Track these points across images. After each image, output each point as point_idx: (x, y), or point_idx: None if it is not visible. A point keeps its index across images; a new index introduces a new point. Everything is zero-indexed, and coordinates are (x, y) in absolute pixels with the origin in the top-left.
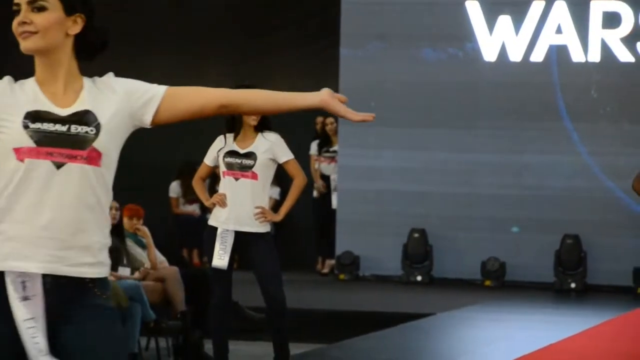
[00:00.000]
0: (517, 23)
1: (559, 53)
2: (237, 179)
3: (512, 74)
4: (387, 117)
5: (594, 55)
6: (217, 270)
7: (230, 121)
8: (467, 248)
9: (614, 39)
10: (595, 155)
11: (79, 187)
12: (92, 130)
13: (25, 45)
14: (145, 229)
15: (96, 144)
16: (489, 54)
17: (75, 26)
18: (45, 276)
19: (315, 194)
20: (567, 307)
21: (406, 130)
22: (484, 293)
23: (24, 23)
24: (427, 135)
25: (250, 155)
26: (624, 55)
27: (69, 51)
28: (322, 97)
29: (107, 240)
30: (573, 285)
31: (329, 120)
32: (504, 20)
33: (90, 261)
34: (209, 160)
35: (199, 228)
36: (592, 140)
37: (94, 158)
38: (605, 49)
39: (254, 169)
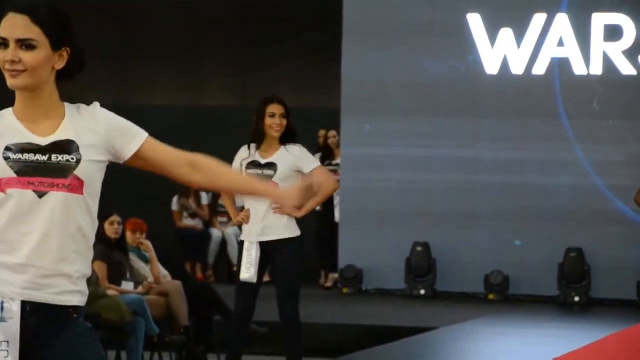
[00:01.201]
0: (519, 36)
1: (560, 66)
2: None
3: (514, 87)
4: (389, 131)
5: (596, 68)
6: (243, 282)
7: (255, 132)
8: (470, 262)
9: (616, 51)
10: (598, 168)
11: (62, 215)
12: (72, 159)
13: (14, 82)
14: (148, 243)
15: (78, 172)
16: (491, 67)
17: (62, 60)
18: (25, 302)
19: (318, 207)
20: (571, 320)
21: (407, 143)
22: (488, 307)
23: (12, 62)
24: (429, 150)
25: (271, 165)
26: (626, 68)
27: (52, 81)
28: (276, 192)
29: (88, 271)
30: (577, 298)
31: (332, 133)
32: (506, 33)
33: (71, 289)
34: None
35: (202, 242)
36: (595, 154)
37: (76, 186)
38: (607, 61)
39: (274, 179)
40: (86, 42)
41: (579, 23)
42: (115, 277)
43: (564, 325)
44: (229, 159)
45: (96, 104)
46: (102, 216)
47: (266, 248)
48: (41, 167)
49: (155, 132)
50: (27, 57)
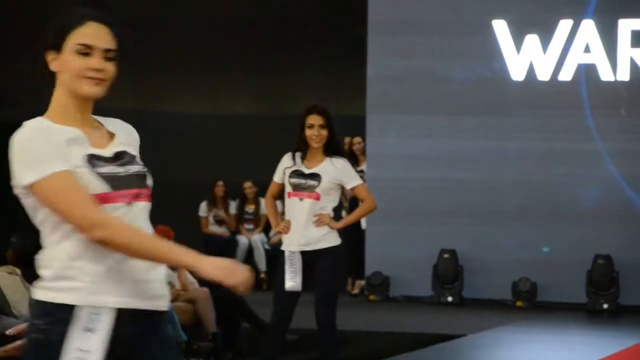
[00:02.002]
0: (545, 42)
1: (587, 72)
2: (301, 200)
3: (540, 93)
4: (414, 138)
5: (623, 74)
6: (280, 291)
7: (298, 141)
8: (497, 268)
9: None
10: (625, 174)
11: (144, 223)
12: (144, 168)
13: (95, 90)
14: None
15: (148, 181)
16: (517, 73)
17: None
18: (120, 310)
19: (344, 214)
20: (599, 327)
21: (432, 151)
22: (515, 314)
23: (98, 70)
24: (454, 156)
25: (315, 176)
26: None
27: None
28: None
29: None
30: (605, 305)
31: (357, 139)
32: (532, 40)
33: (161, 293)
34: (277, 178)
35: (228, 248)
36: (622, 159)
37: (149, 195)
38: (634, 67)
39: (317, 190)
40: None
41: (606, 29)
42: None
43: (593, 332)
44: (250, 165)
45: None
46: None
47: (307, 257)
48: (126, 179)
49: (176, 139)
50: (109, 67)
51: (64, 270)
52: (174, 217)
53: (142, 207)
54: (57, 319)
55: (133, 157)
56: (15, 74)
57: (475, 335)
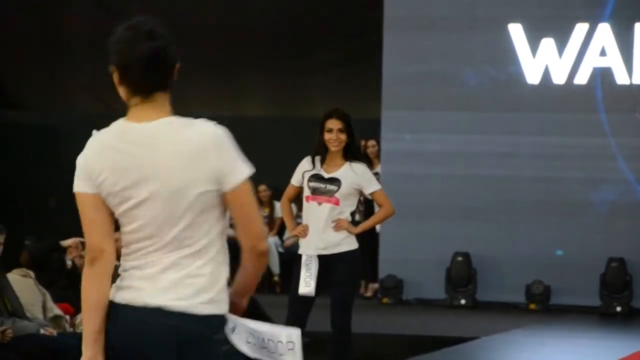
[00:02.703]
0: (561, 46)
1: (603, 75)
2: (319, 204)
3: (555, 97)
4: (429, 142)
5: (639, 78)
6: (295, 295)
7: (318, 145)
8: (511, 271)
9: None
10: None
11: None
12: None
13: None
14: None
15: None
16: (533, 77)
17: (115, 78)
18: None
19: (357, 217)
20: (613, 331)
21: (447, 156)
22: (529, 317)
23: None
24: (469, 159)
25: (335, 180)
26: None
27: (128, 99)
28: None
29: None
30: (619, 308)
31: (371, 143)
32: (548, 43)
33: None
34: (295, 181)
35: (240, 251)
36: (637, 163)
37: None
38: None
39: (336, 194)
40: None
41: (622, 32)
42: None
43: (606, 335)
44: (264, 169)
45: None
46: None
47: (324, 261)
48: None
49: None
50: None
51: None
52: None
53: None
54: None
55: None
56: (19, 76)
57: (489, 338)
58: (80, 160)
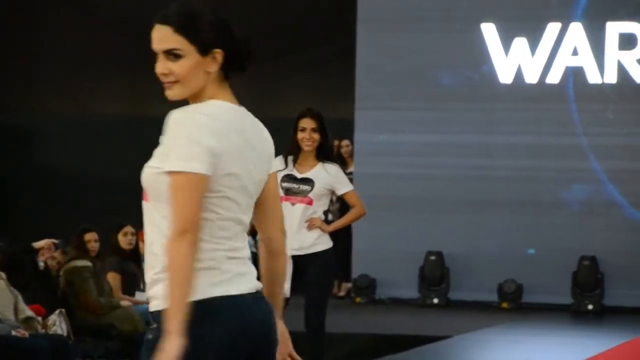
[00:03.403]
0: (533, 45)
1: (575, 75)
2: (293, 204)
3: (528, 96)
4: (402, 142)
5: (611, 77)
6: None
7: (291, 144)
8: (483, 270)
9: (631, 60)
10: (612, 176)
11: (146, 223)
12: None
13: (170, 94)
14: None
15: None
16: (505, 76)
17: (214, 63)
18: None
19: (330, 216)
20: (584, 328)
21: (419, 155)
22: (501, 315)
23: (163, 74)
24: (441, 160)
25: (308, 181)
26: None
27: (212, 85)
28: (168, 339)
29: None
30: (590, 306)
31: (345, 142)
32: (520, 43)
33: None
34: None
35: None
36: (609, 162)
37: (145, 194)
38: (622, 70)
39: (310, 195)
40: (100, 54)
41: (593, 32)
42: (129, 287)
43: (578, 333)
44: None
45: None
46: (116, 227)
47: (299, 261)
48: None
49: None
50: (175, 67)
51: None
52: None
53: (144, 206)
54: None
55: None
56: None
57: (461, 337)
58: (203, 140)
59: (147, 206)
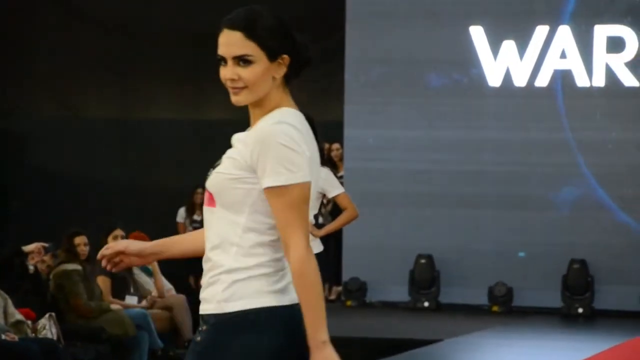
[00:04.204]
0: (522, 48)
1: (563, 78)
2: None
3: (516, 99)
4: (391, 143)
5: (599, 80)
6: None
7: None
8: (473, 273)
9: (619, 63)
10: (602, 180)
11: (210, 229)
12: (211, 171)
13: (237, 99)
14: None
15: (207, 183)
16: (494, 79)
17: (281, 68)
18: None
19: (321, 219)
20: (574, 332)
21: (408, 156)
22: (491, 318)
23: (232, 79)
24: (430, 163)
25: None
26: (629, 80)
27: (277, 90)
28: (322, 352)
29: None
30: (580, 310)
31: (335, 146)
32: (509, 46)
33: (202, 297)
34: None
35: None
36: (598, 165)
37: (210, 198)
38: (610, 73)
39: None
40: (90, 58)
41: (581, 35)
42: (119, 291)
43: (568, 336)
44: None
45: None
46: (106, 230)
47: None
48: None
49: (159, 146)
50: (245, 73)
51: None
52: (151, 223)
53: (209, 212)
54: None
55: (219, 163)
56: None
57: (452, 340)
58: (299, 149)
59: (212, 212)
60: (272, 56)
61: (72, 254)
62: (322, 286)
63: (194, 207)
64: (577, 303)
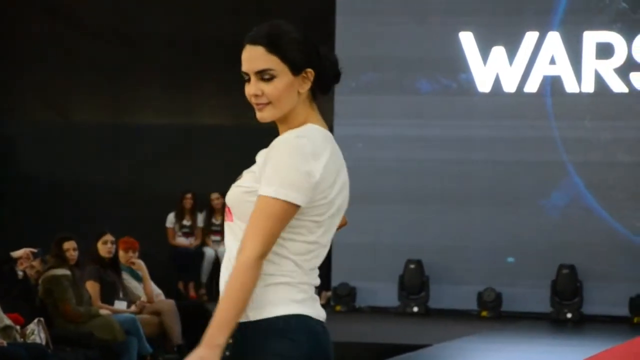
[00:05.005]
0: (511, 54)
1: (552, 84)
2: None
3: (506, 105)
4: (380, 151)
5: (588, 86)
6: None
7: None
8: (463, 279)
9: (608, 69)
10: (590, 184)
11: (229, 242)
12: (233, 185)
13: (262, 116)
14: (141, 263)
15: (227, 198)
16: (483, 85)
17: (306, 82)
18: None
19: None
20: (563, 337)
21: (399, 162)
22: (481, 324)
23: (256, 95)
24: (420, 169)
25: None
26: (617, 86)
27: (303, 105)
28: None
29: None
30: (569, 315)
31: None
32: (498, 51)
33: None
34: None
35: (195, 260)
36: (587, 171)
37: (229, 212)
38: (599, 79)
39: None
40: (81, 63)
41: (571, 41)
42: (108, 296)
43: (557, 341)
44: (221, 177)
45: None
46: (96, 235)
47: None
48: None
49: (150, 152)
50: (268, 88)
51: None
52: (142, 229)
53: (228, 227)
54: None
55: (240, 177)
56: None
57: (440, 345)
58: (307, 169)
59: (230, 227)
60: (296, 70)
61: (61, 259)
62: (246, 303)
63: (184, 213)
64: (566, 308)
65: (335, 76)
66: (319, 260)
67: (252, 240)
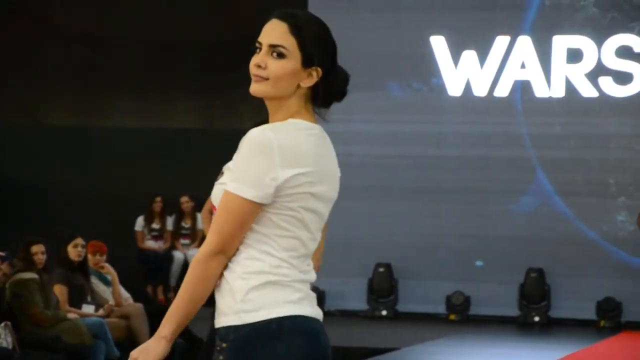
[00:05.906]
0: (482, 58)
1: (523, 88)
2: None
3: (477, 109)
4: (353, 155)
5: (558, 91)
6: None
7: None
8: (431, 282)
9: (578, 74)
10: (559, 189)
11: None
12: (216, 182)
13: (254, 88)
14: (109, 267)
15: (212, 195)
16: (454, 89)
17: (310, 79)
18: None
19: None
20: (531, 340)
21: (370, 168)
22: (449, 327)
23: (258, 66)
24: (390, 171)
25: None
26: (587, 91)
27: (297, 101)
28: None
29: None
30: (537, 318)
31: None
32: (469, 55)
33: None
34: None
35: (164, 264)
36: (557, 174)
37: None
38: (569, 84)
39: None
40: (54, 66)
41: (541, 46)
42: (76, 300)
43: (524, 345)
44: (194, 180)
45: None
46: (66, 238)
47: None
48: None
49: (122, 155)
50: (273, 65)
51: None
52: (110, 232)
53: None
54: None
55: (221, 175)
56: None
57: (409, 349)
58: (271, 166)
59: None
60: (307, 62)
61: (28, 263)
62: (203, 301)
63: (153, 216)
64: (534, 312)
65: (340, 91)
66: (310, 254)
67: (209, 235)
